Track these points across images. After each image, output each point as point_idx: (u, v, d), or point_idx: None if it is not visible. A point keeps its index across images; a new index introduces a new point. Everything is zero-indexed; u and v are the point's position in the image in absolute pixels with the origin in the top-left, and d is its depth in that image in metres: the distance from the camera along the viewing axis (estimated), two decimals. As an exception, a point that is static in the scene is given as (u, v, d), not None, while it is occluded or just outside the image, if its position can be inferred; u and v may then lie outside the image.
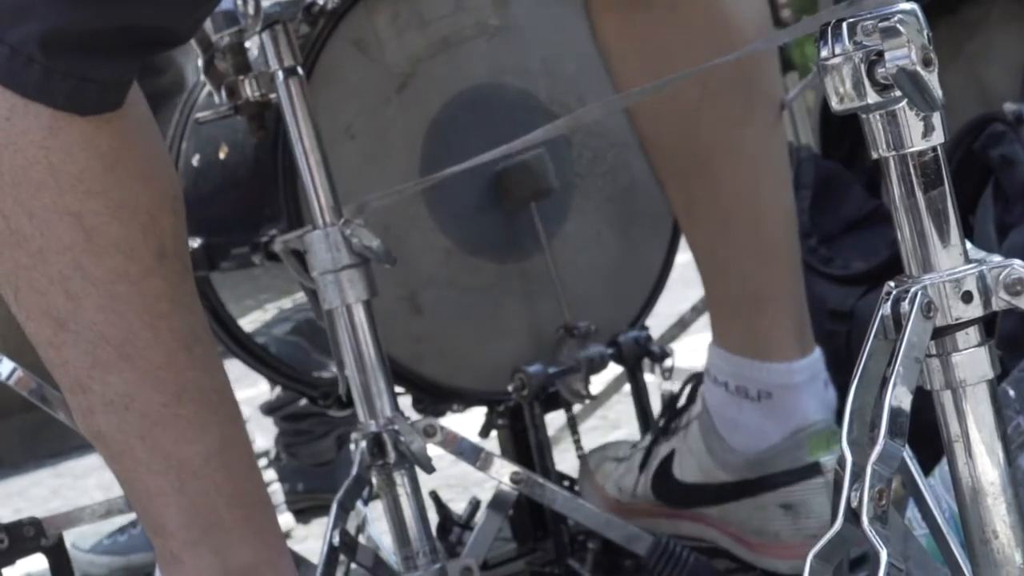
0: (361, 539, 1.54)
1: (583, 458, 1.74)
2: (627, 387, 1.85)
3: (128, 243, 1.14)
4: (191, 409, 1.17)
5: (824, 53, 0.78)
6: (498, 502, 1.55)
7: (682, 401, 1.64)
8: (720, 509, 1.54)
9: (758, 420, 1.49)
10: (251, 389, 2.75)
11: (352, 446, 1.46)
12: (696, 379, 1.62)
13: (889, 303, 0.80)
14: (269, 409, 2.36)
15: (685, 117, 1.46)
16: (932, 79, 0.76)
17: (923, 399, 0.81)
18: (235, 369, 1.93)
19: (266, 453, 2.33)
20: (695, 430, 1.56)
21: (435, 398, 1.77)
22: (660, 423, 1.65)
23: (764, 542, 1.50)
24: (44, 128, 1.11)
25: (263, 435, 2.43)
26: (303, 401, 2.24)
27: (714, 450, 1.53)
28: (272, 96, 1.50)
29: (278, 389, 2.29)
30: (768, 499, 1.49)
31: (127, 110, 1.14)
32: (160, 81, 2.01)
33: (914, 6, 0.77)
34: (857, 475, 0.78)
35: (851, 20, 0.78)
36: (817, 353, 1.50)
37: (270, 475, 2.26)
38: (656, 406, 1.76)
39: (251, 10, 1.45)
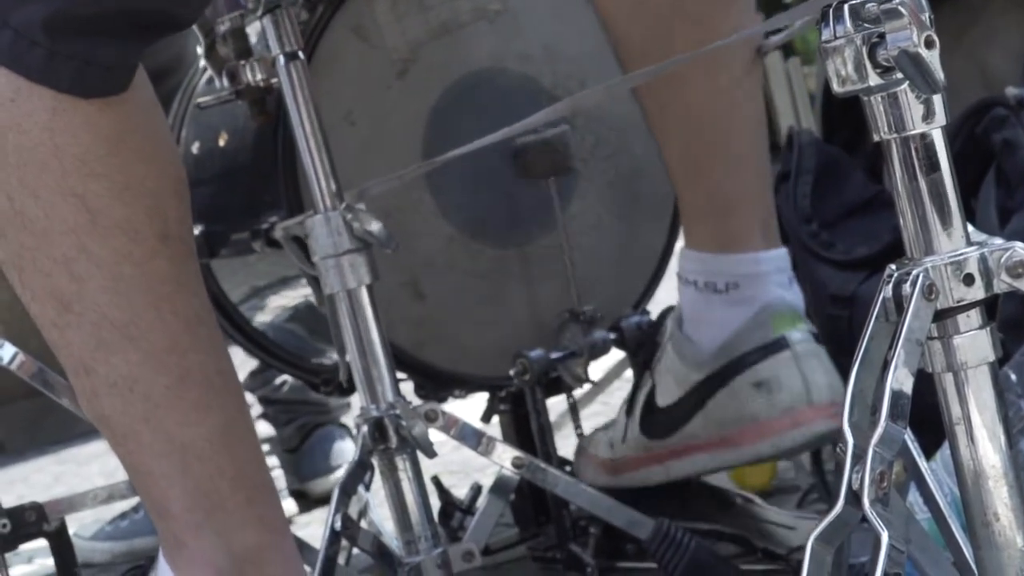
0: (363, 524, 1.54)
1: (579, 438, 1.75)
2: (629, 372, 1.85)
3: (132, 225, 1.14)
4: (195, 392, 1.17)
5: (826, 35, 0.78)
6: (500, 487, 1.56)
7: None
8: (702, 416, 1.55)
9: (725, 310, 1.53)
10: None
11: (354, 431, 1.46)
12: (667, 312, 1.64)
13: (891, 285, 0.80)
14: (246, 388, 2.36)
15: (658, 21, 1.49)
16: (934, 61, 0.76)
17: (925, 382, 0.81)
18: (237, 356, 1.93)
19: (269, 439, 2.33)
20: (668, 349, 1.59)
21: (437, 383, 1.77)
22: (640, 362, 1.66)
23: (743, 430, 1.51)
24: (48, 110, 1.11)
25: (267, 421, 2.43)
26: (279, 380, 2.24)
27: (685, 355, 1.56)
28: (273, 81, 1.50)
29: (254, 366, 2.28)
30: (740, 382, 1.51)
31: (131, 93, 1.14)
32: (159, 58, 2.00)
33: (916, -11, 0.77)
34: (858, 458, 0.78)
35: (853, 2, 0.77)
36: (783, 250, 1.55)
37: (273, 461, 2.26)
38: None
39: (252, -5, 1.45)
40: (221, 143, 1.83)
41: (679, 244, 1.85)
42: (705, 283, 1.54)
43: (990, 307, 0.81)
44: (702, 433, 1.56)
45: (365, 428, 1.43)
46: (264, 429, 2.38)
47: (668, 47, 1.46)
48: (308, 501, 2.31)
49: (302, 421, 2.32)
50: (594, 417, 2.30)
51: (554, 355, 1.68)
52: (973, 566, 0.83)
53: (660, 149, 1.58)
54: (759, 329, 1.50)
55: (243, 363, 2.01)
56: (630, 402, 1.65)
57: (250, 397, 2.46)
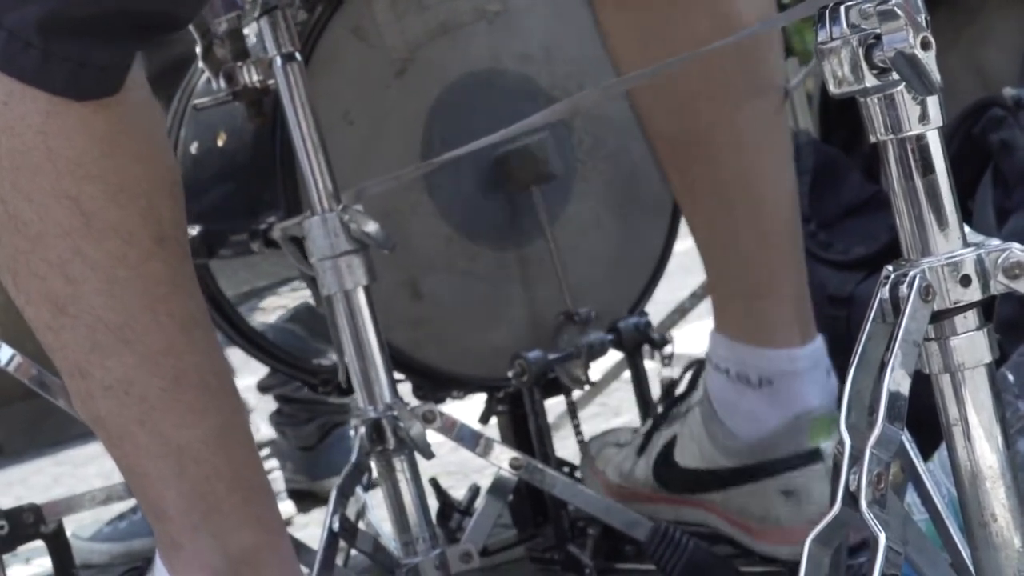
0: (361, 525, 1.54)
1: (584, 445, 1.74)
2: (627, 373, 1.85)
3: (127, 227, 1.13)
4: (191, 394, 1.17)
5: (822, 37, 0.78)
6: (498, 488, 1.55)
7: (682, 387, 1.64)
8: (722, 495, 1.54)
9: (759, 406, 1.49)
10: (252, 377, 2.75)
11: (351, 432, 1.46)
12: (697, 365, 1.62)
13: (887, 287, 0.80)
14: (263, 387, 2.36)
15: (685, 101, 1.46)
16: (930, 62, 0.76)
17: (922, 383, 0.81)
18: (237, 357, 1.94)
19: (270, 442, 2.33)
20: (696, 416, 1.56)
21: (435, 384, 1.77)
22: (659, 409, 1.65)
23: (765, 528, 1.50)
24: (42, 112, 1.11)
25: (269, 425, 2.43)
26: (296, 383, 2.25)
27: (715, 436, 1.54)
28: (271, 82, 1.49)
29: None
30: (769, 485, 1.49)
31: (126, 95, 1.14)
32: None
33: (912, -10, 0.77)
34: (856, 459, 0.78)
35: (849, 3, 0.77)
36: (819, 341, 1.50)
37: (271, 463, 2.26)
38: (656, 392, 1.76)
39: (249, -4, 1.45)
40: (219, 144, 1.83)
41: (679, 245, 1.85)
42: (737, 374, 1.50)
43: (987, 308, 0.81)
44: (720, 506, 1.55)
45: (363, 429, 1.43)
46: (265, 432, 2.38)
47: (696, 127, 1.44)
48: (308, 502, 2.31)
49: (322, 420, 2.32)
50: (593, 418, 2.30)
51: (552, 356, 1.68)
52: (971, 567, 0.83)
53: (689, 227, 1.54)
54: (795, 436, 1.47)
55: (245, 363, 2.01)
56: (645, 440, 1.63)
57: (253, 397, 2.46)
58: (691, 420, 1.57)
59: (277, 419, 2.37)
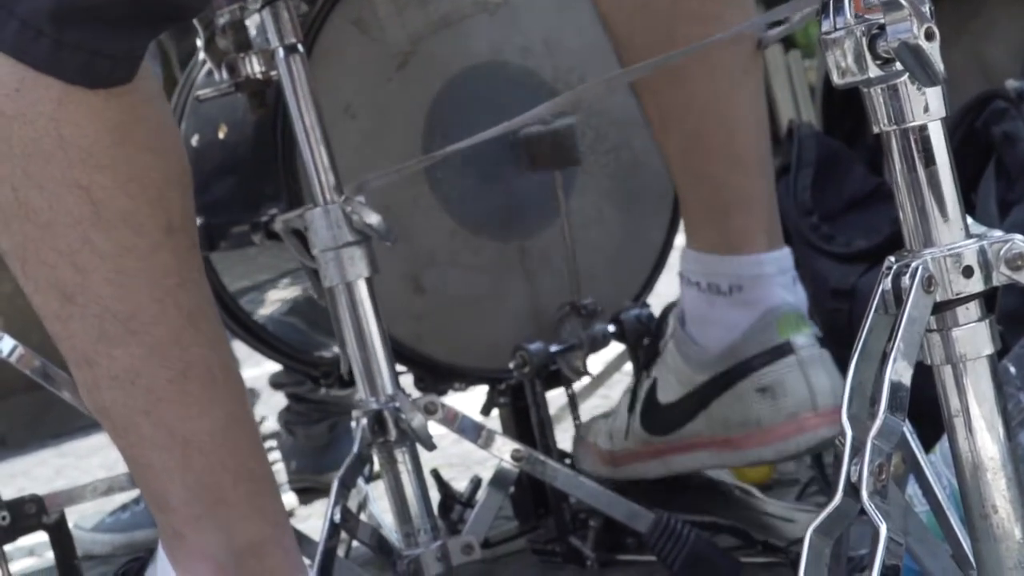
0: (362, 517, 1.54)
1: (577, 428, 1.75)
2: (628, 365, 1.85)
3: (136, 217, 1.13)
4: (197, 385, 1.17)
5: (826, 27, 0.78)
6: (499, 480, 1.56)
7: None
8: (704, 416, 1.55)
9: (729, 312, 1.52)
10: (256, 368, 2.75)
11: (353, 424, 1.46)
12: (665, 308, 1.64)
13: (890, 277, 0.80)
14: (276, 384, 2.36)
15: (659, 23, 1.49)
16: (934, 53, 0.76)
17: (924, 375, 0.81)
18: (242, 348, 1.94)
19: (275, 435, 2.33)
20: (671, 347, 1.59)
21: (436, 376, 1.77)
22: (641, 358, 1.66)
23: (747, 433, 1.51)
24: (54, 101, 1.10)
25: (274, 416, 2.43)
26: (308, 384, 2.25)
27: (689, 356, 1.56)
28: (273, 73, 1.49)
29: None
30: (744, 386, 1.51)
31: (137, 84, 1.14)
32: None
33: (917, -19, 0.77)
34: (857, 450, 0.78)
35: (853, -6, 0.77)
36: (786, 250, 1.54)
37: (274, 455, 2.27)
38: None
39: (252, -13, 1.45)
40: (221, 136, 1.83)
41: (679, 238, 1.85)
42: (708, 284, 1.54)
43: (989, 299, 0.81)
44: (704, 431, 1.56)
45: (364, 421, 1.43)
46: (270, 424, 2.38)
47: (670, 48, 1.46)
48: (310, 494, 2.31)
49: (332, 420, 2.32)
50: (594, 410, 2.30)
51: (554, 348, 1.68)
52: (971, 558, 0.83)
53: (661, 150, 1.58)
54: (764, 333, 1.50)
55: (250, 354, 2.01)
56: (632, 396, 1.65)
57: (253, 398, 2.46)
58: (667, 354, 1.60)
59: (287, 417, 2.37)
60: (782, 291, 1.51)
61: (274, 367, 2.25)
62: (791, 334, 1.48)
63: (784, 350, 1.48)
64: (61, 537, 1.67)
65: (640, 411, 1.63)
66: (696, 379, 1.55)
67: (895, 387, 0.78)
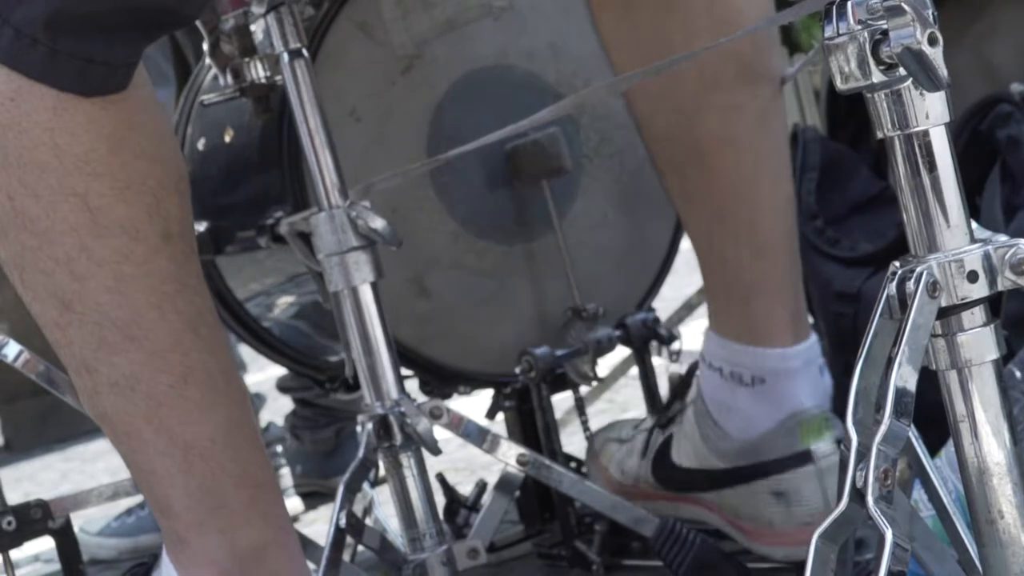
0: (368, 521, 1.54)
1: (589, 439, 1.75)
2: (634, 370, 1.85)
3: (133, 224, 1.14)
4: (197, 391, 1.17)
5: (829, 32, 0.78)
6: (505, 484, 1.55)
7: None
8: (716, 494, 1.54)
9: (751, 406, 1.49)
10: (261, 373, 2.76)
11: (358, 428, 1.46)
12: (696, 367, 1.62)
13: (894, 283, 0.80)
14: (283, 387, 2.36)
15: (682, 107, 1.46)
16: (937, 58, 0.75)
17: (929, 380, 0.81)
18: (248, 351, 1.94)
19: (280, 439, 2.33)
20: (690, 415, 1.57)
21: (442, 380, 1.77)
22: (666, 410, 1.65)
23: (758, 528, 1.50)
24: (49, 109, 1.11)
25: (281, 421, 2.44)
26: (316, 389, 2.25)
27: (708, 436, 1.54)
28: (277, 78, 1.49)
29: None
30: (760, 486, 1.49)
31: (132, 91, 1.14)
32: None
33: (919, -15, 0.77)
34: (862, 455, 0.78)
35: (856, -1, 0.77)
36: (813, 339, 1.50)
37: (278, 461, 2.27)
38: (664, 389, 1.76)
39: (256, -8, 1.45)
40: (226, 140, 1.83)
41: (685, 242, 1.85)
42: (730, 373, 1.50)
43: (994, 304, 0.81)
44: (717, 505, 1.55)
45: (370, 425, 1.43)
46: (274, 430, 2.38)
47: (691, 136, 1.44)
48: (315, 499, 2.31)
49: (339, 425, 2.32)
50: (600, 414, 2.30)
51: (560, 352, 1.68)
52: (978, 563, 0.82)
53: (687, 233, 1.54)
54: (786, 437, 1.46)
55: (256, 357, 2.01)
56: (645, 443, 1.63)
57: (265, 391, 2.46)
58: (686, 419, 1.57)
59: (293, 421, 2.37)
60: (807, 388, 1.47)
61: (280, 371, 2.25)
62: (813, 441, 1.45)
63: (804, 458, 1.45)
64: (66, 542, 1.68)
65: (652, 462, 1.62)
66: (713, 463, 1.53)
67: (900, 392, 0.78)
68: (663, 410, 1.63)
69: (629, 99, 1.52)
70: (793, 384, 1.47)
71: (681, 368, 1.70)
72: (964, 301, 0.80)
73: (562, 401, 1.77)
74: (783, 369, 1.47)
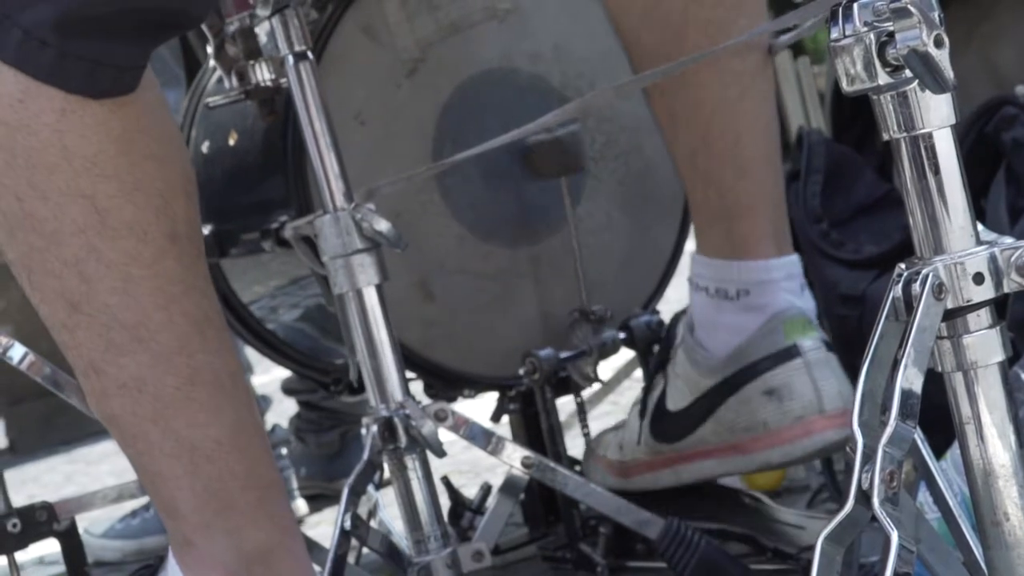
0: (373, 524, 1.54)
1: (587, 442, 1.75)
2: (638, 372, 1.85)
3: (141, 226, 1.14)
4: (204, 392, 1.17)
5: (835, 34, 0.78)
6: (509, 487, 1.55)
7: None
8: (712, 422, 1.55)
9: (737, 317, 1.53)
10: (267, 375, 2.76)
11: (363, 431, 1.46)
12: (675, 316, 1.64)
13: (900, 285, 0.80)
14: (288, 390, 2.36)
15: (670, 24, 1.50)
16: (943, 60, 0.75)
17: (934, 382, 0.81)
18: (253, 354, 1.94)
19: (286, 442, 2.33)
20: (680, 354, 1.59)
21: (446, 383, 1.77)
22: (651, 365, 1.66)
23: (754, 437, 1.52)
24: (57, 111, 1.11)
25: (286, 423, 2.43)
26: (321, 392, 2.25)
27: (697, 361, 1.57)
28: (282, 81, 1.50)
29: None
30: (751, 389, 1.51)
31: (141, 93, 1.14)
32: None
33: (925, -13, 0.77)
34: (868, 457, 0.78)
35: (862, 1, 0.77)
36: (795, 257, 1.55)
37: (283, 463, 2.27)
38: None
39: (261, -5, 1.45)
40: (231, 143, 1.83)
41: (690, 244, 1.85)
42: (716, 289, 1.55)
43: (1000, 306, 0.81)
44: (712, 438, 1.56)
45: (375, 428, 1.43)
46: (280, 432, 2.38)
47: (680, 52, 1.46)
48: (320, 501, 2.31)
49: (344, 428, 2.32)
50: (604, 417, 2.30)
51: (564, 355, 1.68)
52: (983, 565, 0.82)
53: (670, 152, 1.58)
54: (770, 336, 1.50)
55: (261, 358, 2.01)
56: (642, 404, 1.65)
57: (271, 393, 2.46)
58: (676, 361, 1.60)
59: (297, 423, 2.37)
60: (789, 295, 1.52)
61: (285, 373, 2.25)
62: (798, 337, 1.49)
63: (791, 353, 1.49)
64: (71, 544, 1.68)
65: (650, 419, 1.63)
66: (704, 384, 1.56)
67: (906, 394, 0.78)
68: (655, 366, 1.64)
69: (615, 15, 1.54)
70: (775, 291, 1.52)
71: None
72: (970, 303, 0.80)
73: (567, 404, 1.77)
74: (767, 280, 1.52)
